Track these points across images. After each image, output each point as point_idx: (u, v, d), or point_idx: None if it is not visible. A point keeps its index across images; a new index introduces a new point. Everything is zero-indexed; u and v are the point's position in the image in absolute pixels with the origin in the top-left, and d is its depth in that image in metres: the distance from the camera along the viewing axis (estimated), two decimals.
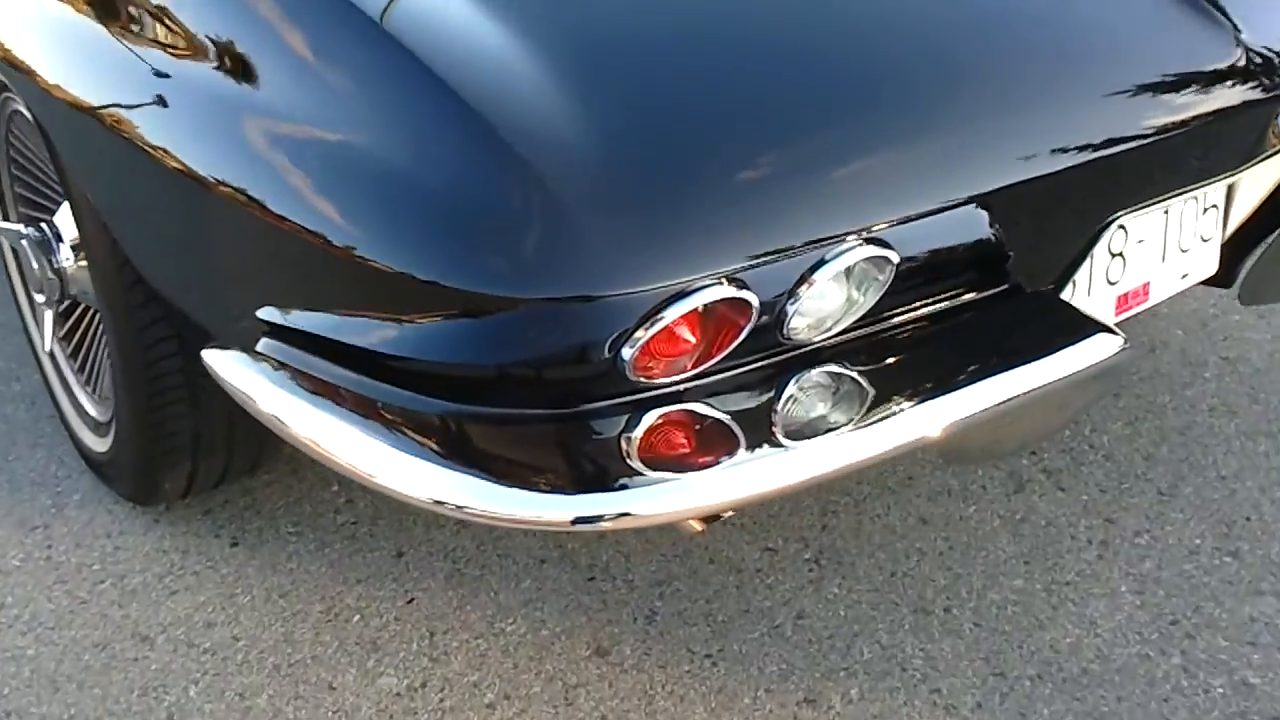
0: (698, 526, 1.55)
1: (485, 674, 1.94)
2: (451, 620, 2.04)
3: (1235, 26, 1.79)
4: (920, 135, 1.52)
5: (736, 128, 1.44)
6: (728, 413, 1.44)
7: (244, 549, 2.22)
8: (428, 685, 1.92)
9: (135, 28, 1.73)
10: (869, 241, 1.45)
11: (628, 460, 1.38)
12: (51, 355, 2.41)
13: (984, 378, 1.51)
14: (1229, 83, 1.78)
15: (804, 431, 1.43)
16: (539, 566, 2.16)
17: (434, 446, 1.44)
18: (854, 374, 1.51)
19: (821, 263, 1.44)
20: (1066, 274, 1.78)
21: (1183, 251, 1.94)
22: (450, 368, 1.45)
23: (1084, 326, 1.61)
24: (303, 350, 1.56)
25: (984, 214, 1.58)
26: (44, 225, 2.18)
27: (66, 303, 2.31)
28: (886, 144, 1.50)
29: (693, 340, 1.41)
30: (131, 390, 2.04)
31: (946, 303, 1.60)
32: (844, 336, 1.53)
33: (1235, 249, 2.04)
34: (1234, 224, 2.03)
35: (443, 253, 1.36)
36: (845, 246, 1.44)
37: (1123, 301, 1.87)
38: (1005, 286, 1.64)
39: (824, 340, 1.51)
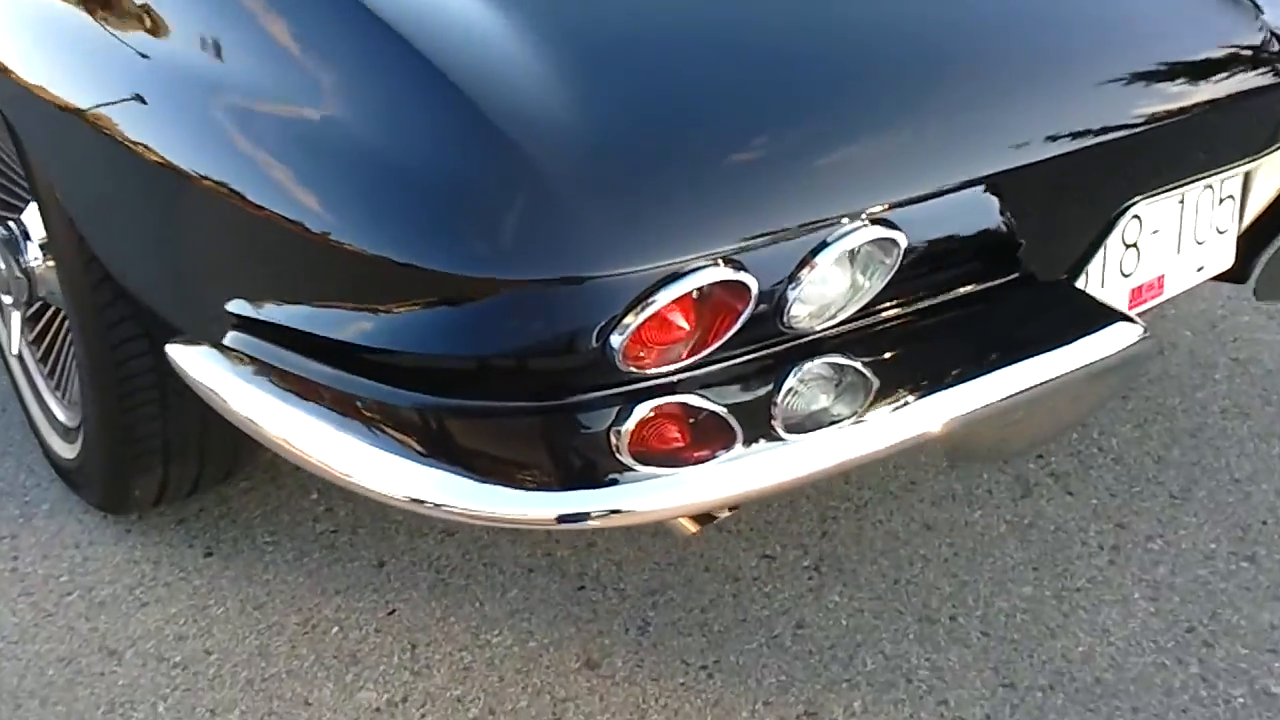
0: (692, 528, 1.46)
1: (469, 688, 1.85)
2: (434, 632, 1.95)
3: (1257, 6, 1.71)
4: (928, 114, 1.44)
5: (733, 102, 1.35)
6: (724, 405, 1.35)
7: (218, 559, 2.12)
8: (409, 700, 1.83)
9: (104, 16, 1.65)
10: (875, 223, 1.36)
11: (617, 455, 1.29)
12: (20, 358, 2.32)
13: (996, 369, 1.42)
14: (1249, 65, 1.70)
15: (805, 425, 1.35)
16: (526, 575, 2.06)
17: (411, 443, 1.35)
18: (858, 365, 1.42)
19: (824, 245, 1.35)
20: (1079, 265, 1.70)
21: (1198, 243, 1.86)
22: (429, 359, 1.36)
23: (1101, 315, 1.52)
24: (273, 344, 1.48)
25: (994, 199, 1.50)
26: (11, 224, 2.10)
27: (36, 305, 2.23)
28: (892, 122, 1.42)
29: (686, 327, 1.32)
30: (99, 392, 1.95)
31: (955, 292, 1.51)
32: (847, 326, 1.44)
33: (1251, 242, 1.96)
34: (1250, 216, 1.95)
35: (420, 234, 1.27)
36: (849, 228, 1.35)
37: (1137, 294, 1.79)
38: (1016, 275, 1.55)
39: (826, 329, 1.42)
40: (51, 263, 2.01)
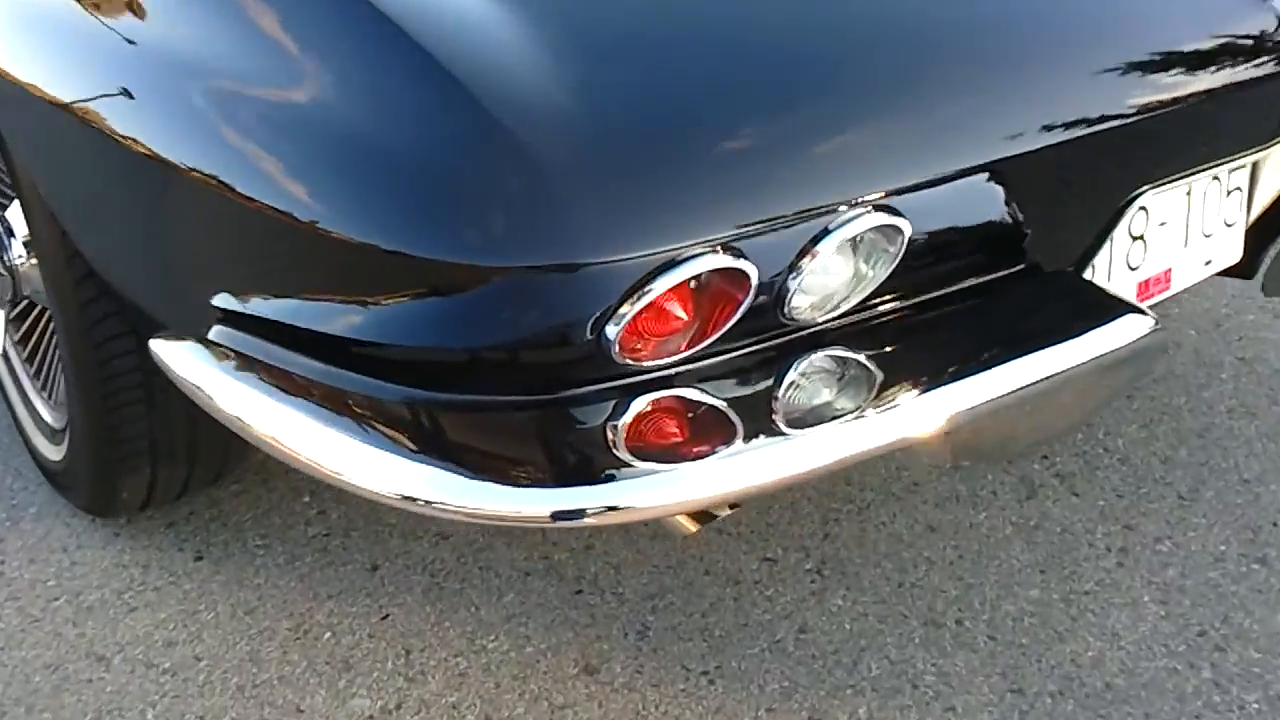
0: (691, 527, 1.42)
1: (465, 694, 1.80)
2: (429, 637, 1.91)
3: None
4: (931, 99, 1.40)
5: (732, 86, 1.32)
6: (724, 399, 1.31)
7: (209, 563, 2.08)
8: (403, 707, 1.79)
9: (87, 6, 1.61)
10: (878, 209, 1.32)
11: (614, 450, 1.25)
12: (5, 358, 2.28)
13: (1004, 362, 1.38)
14: (1255, 52, 1.66)
15: (807, 419, 1.30)
16: (523, 579, 2.02)
17: (402, 439, 1.31)
18: (861, 358, 1.38)
19: (825, 232, 1.31)
20: (1085, 258, 1.66)
21: (1205, 236, 1.82)
22: (419, 352, 1.32)
23: (1111, 307, 1.48)
24: (259, 338, 1.44)
25: (999, 187, 1.46)
26: None
27: (21, 304, 2.19)
28: (894, 108, 1.38)
29: (684, 317, 1.28)
30: (84, 391, 1.91)
31: (960, 283, 1.47)
32: (850, 318, 1.40)
33: (1259, 236, 1.92)
34: (1258, 209, 1.91)
35: (409, 220, 1.23)
36: (851, 214, 1.31)
37: (1144, 288, 1.75)
38: (1022, 267, 1.51)
39: (829, 321, 1.38)
40: (35, 261, 1.97)
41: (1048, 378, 1.38)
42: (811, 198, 1.29)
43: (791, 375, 1.36)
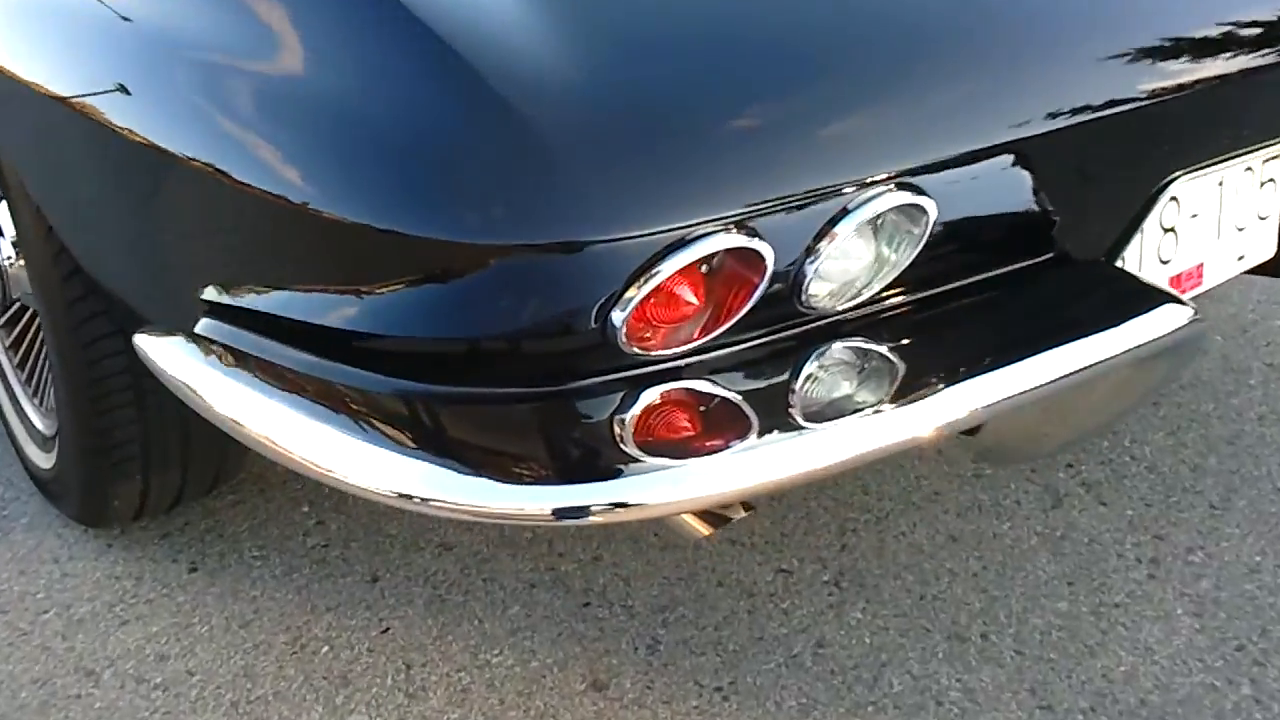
0: (704, 530, 1.35)
1: (468, 711, 1.72)
2: (430, 651, 1.83)
3: None
4: (954, 74, 1.32)
5: (745, 58, 1.24)
6: (738, 392, 1.23)
7: (203, 575, 2.01)
8: None
9: None
10: (901, 187, 1.24)
11: (621, 445, 1.18)
12: None
13: (1035, 354, 1.30)
14: None
15: (825, 413, 1.22)
16: (529, 591, 1.94)
17: (397, 434, 1.23)
18: (883, 350, 1.30)
19: (845, 213, 1.23)
20: (1115, 250, 1.58)
21: (1238, 230, 1.74)
22: (415, 343, 1.25)
23: (1148, 296, 1.40)
24: (249, 331, 1.37)
25: (1026, 170, 1.38)
26: None
27: (12, 308, 2.12)
28: (916, 82, 1.30)
29: (696, 303, 1.20)
30: (73, 393, 1.84)
31: (987, 272, 1.39)
32: (871, 308, 1.32)
33: None
34: None
35: (403, 199, 1.16)
36: (872, 193, 1.23)
37: (1175, 284, 1.67)
38: (1051, 256, 1.43)
39: (848, 310, 1.30)
40: (24, 261, 1.91)
41: (1082, 370, 1.30)
42: (829, 175, 1.21)
43: (809, 367, 1.28)
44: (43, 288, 1.81)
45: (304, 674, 1.80)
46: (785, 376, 1.27)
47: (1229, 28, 1.54)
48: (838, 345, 1.30)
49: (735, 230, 1.17)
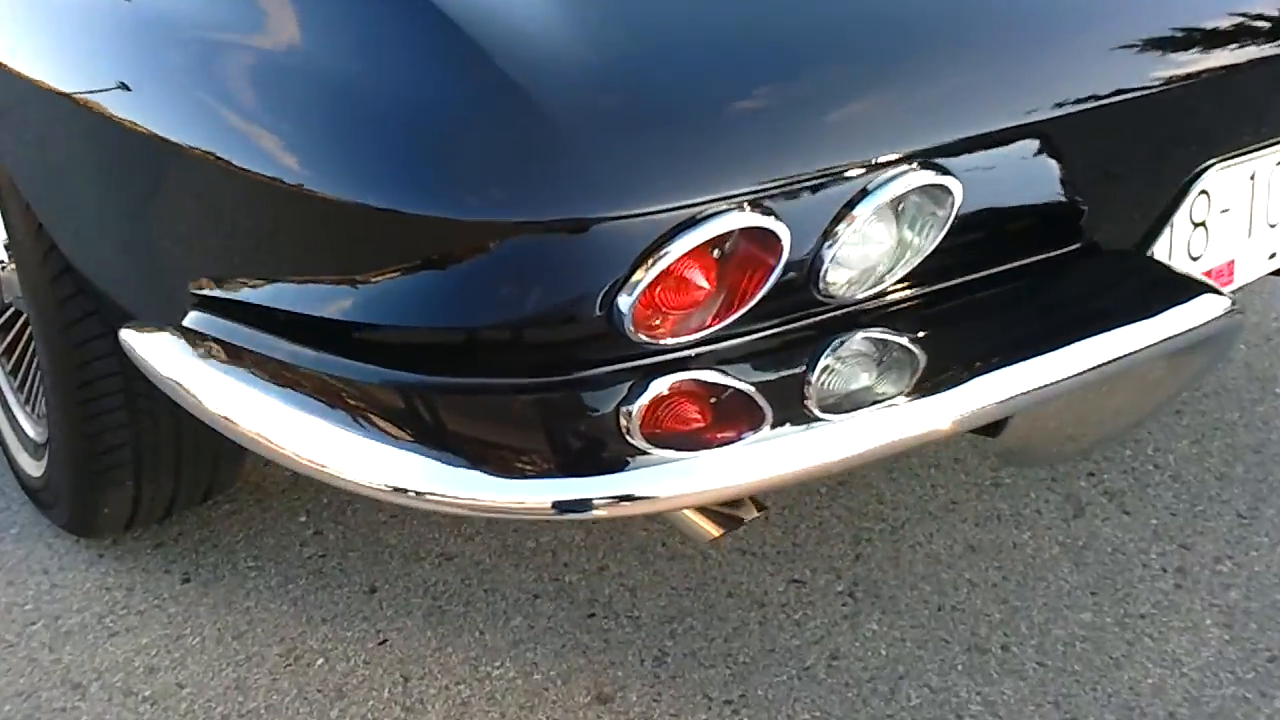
0: (714, 531, 1.28)
1: None
2: (429, 663, 1.76)
3: None
4: (979, 51, 1.26)
5: (759, 29, 1.18)
6: (751, 383, 1.17)
7: (196, 585, 1.94)
8: None
9: None
10: (924, 166, 1.17)
11: (628, 437, 1.11)
12: None
13: (1065, 345, 1.23)
14: None
15: (843, 405, 1.16)
16: (531, 602, 1.88)
17: (394, 426, 1.17)
18: (903, 341, 1.24)
19: (864, 194, 1.17)
20: (1143, 246, 1.52)
21: (1270, 227, 1.67)
22: (413, 333, 1.19)
23: (1183, 286, 1.33)
24: (240, 323, 1.30)
25: (1053, 155, 1.32)
26: None
27: (6, 314, 2.07)
28: (938, 58, 1.23)
29: (707, 287, 1.14)
30: (62, 396, 1.78)
31: (1014, 260, 1.33)
32: (892, 297, 1.26)
33: None
34: None
35: (401, 176, 1.10)
36: (894, 173, 1.16)
37: None
38: (1079, 246, 1.37)
39: (868, 299, 1.24)
40: (15, 265, 1.85)
41: (1114, 362, 1.23)
42: (847, 153, 1.14)
43: (826, 359, 1.22)
44: (32, 287, 1.75)
45: (298, 687, 1.73)
46: (801, 368, 1.20)
47: (1260, 11, 1.47)
48: (857, 336, 1.24)
49: (749, 209, 1.11)
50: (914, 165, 1.18)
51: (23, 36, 1.57)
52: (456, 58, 1.11)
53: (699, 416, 1.14)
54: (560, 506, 1.07)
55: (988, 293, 1.31)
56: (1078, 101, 1.28)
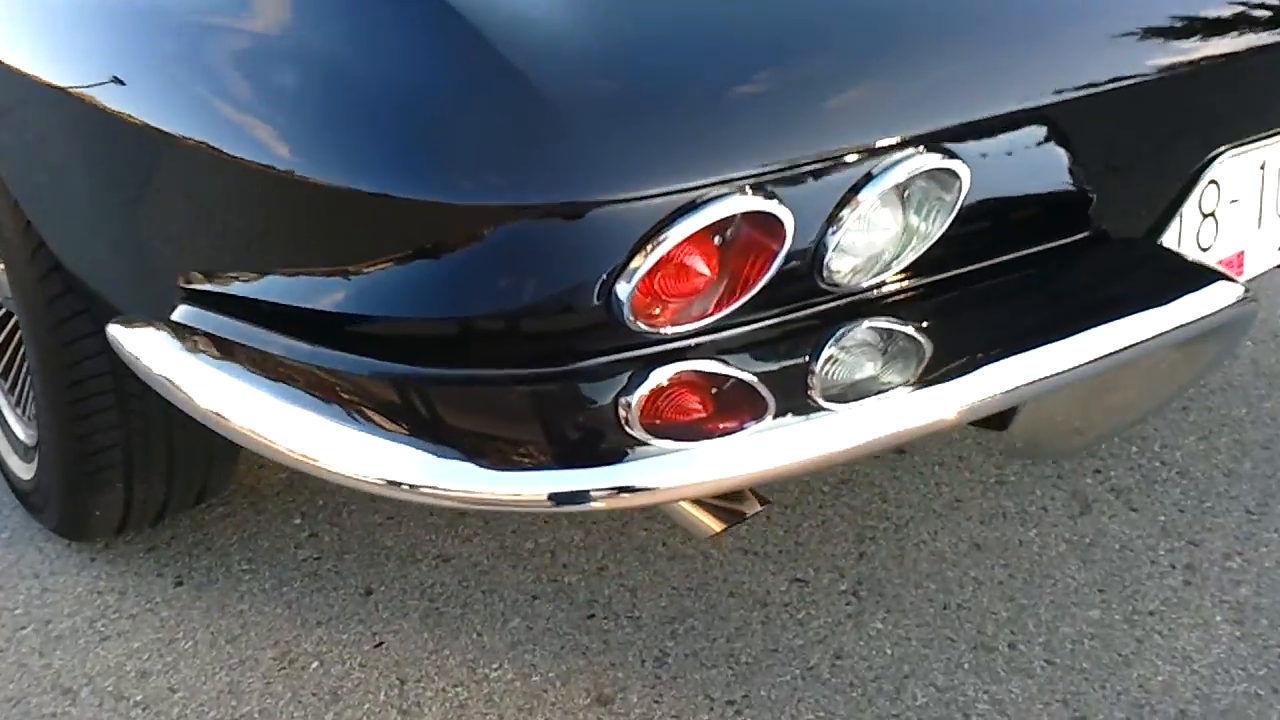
0: (715, 526, 1.25)
1: None
2: (426, 666, 1.73)
3: None
4: (987, 33, 1.23)
5: (765, 9, 1.15)
6: (754, 373, 1.14)
7: (189, 589, 1.91)
8: None
9: None
10: (931, 149, 1.14)
11: (627, 428, 1.08)
12: None
13: (1075, 333, 1.20)
14: None
15: (847, 395, 1.13)
16: (530, 603, 1.84)
17: (388, 420, 1.14)
18: (909, 330, 1.21)
19: (869, 178, 1.13)
20: (1153, 236, 1.49)
21: None
22: (407, 324, 1.16)
23: (1195, 273, 1.30)
24: (230, 316, 1.27)
25: (1061, 147, 1.29)
26: None
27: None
28: (945, 39, 1.20)
29: (708, 274, 1.11)
30: (52, 396, 1.75)
31: (1022, 249, 1.30)
32: (897, 286, 1.23)
33: None
34: None
35: (395, 159, 1.07)
36: (899, 156, 1.13)
37: None
38: (1087, 234, 1.34)
39: (873, 287, 1.21)
40: (4, 264, 1.82)
41: (1127, 349, 1.20)
42: (851, 136, 1.11)
43: (830, 349, 1.19)
44: (21, 285, 1.72)
45: (292, 690, 1.70)
46: (804, 358, 1.17)
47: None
48: (861, 325, 1.21)
49: (752, 192, 1.08)
50: (920, 149, 1.15)
51: (6, 28, 1.54)
52: (452, 40, 1.08)
53: (700, 407, 1.11)
54: (557, 498, 1.04)
55: (995, 281, 1.28)
56: (1086, 86, 1.25)
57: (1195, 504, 1.99)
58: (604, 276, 1.08)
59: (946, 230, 1.20)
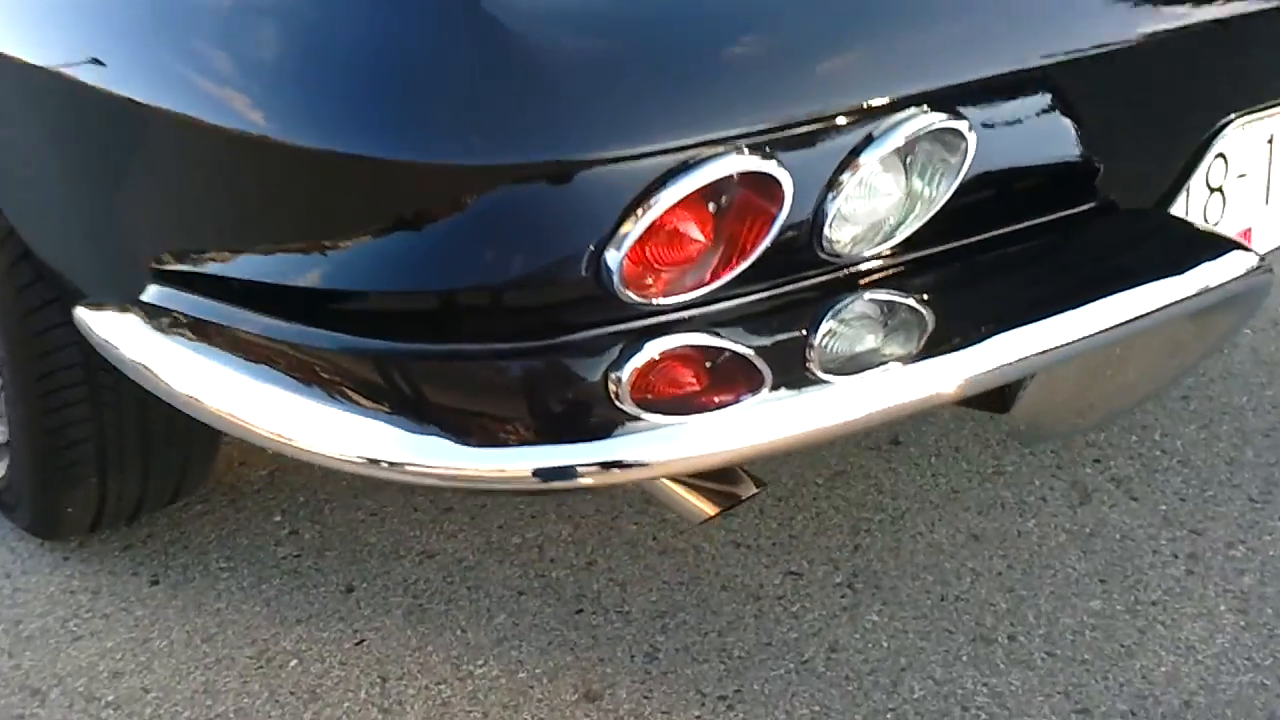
0: (709, 510, 1.20)
1: None
2: (409, 664, 1.68)
3: None
4: None
5: None
6: (750, 347, 1.09)
7: (165, 588, 1.85)
8: None
9: None
10: (935, 108, 1.09)
11: (617, 402, 1.03)
12: None
13: (1086, 302, 1.15)
14: None
15: (847, 368, 1.08)
16: (516, 599, 1.79)
17: (367, 397, 1.09)
18: (910, 302, 1.16)
19: (869, 140, 1.08)
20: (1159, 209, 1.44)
21: None
22: (385, 298, 1.11)
23: (1207, 241, 1.26)
24: (202, 295, 1.22)
25: (1067, 115, 1.25)
26: None
27: None
28: None
29: (702, 240, 1.06)
30: (23, 388, 1.70)
31: (1027, 219, 1.25)
32: (898, 258, 1.18)
33: None
34: None
35: (370, 117, 1.02)
36: (902, 116, 1.08)
37: None
38: (1094, 205, 1.29)
39: (874, 257, 1.16)
40: None
41: (1140, 319, 1.15)
42: (852, 94, 1.06)
43: (829, 322, 1.14)
44: None
45: (269, 689, 1.65)
46: (802, 331, 1.12)
47: None
48: (862, 297, 1.16)
49: (749, 152, 1.02)
50: (924, 108, 1.10)
51: None
52: None
53: (694, 380, 1.06)
54: (543, 474, 0.99)
55: (1001, 252, 1.24)
56: (1092, 46, 1.20)
57: (1197, 492, 1.95)
58: (593, 244, 1.03)
59: (950, 199, 1.15)
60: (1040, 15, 1.18)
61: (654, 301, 1.08)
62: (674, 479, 1.18)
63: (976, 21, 1.14)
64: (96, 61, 1.26)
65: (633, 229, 1.02)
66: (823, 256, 1.13)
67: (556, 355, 1.07)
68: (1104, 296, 1.17)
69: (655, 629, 1.72)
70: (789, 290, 1.14)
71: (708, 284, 1.08)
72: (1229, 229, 1.52)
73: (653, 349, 1.07)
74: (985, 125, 1.14)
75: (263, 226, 1.18)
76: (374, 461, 1.03)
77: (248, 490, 2.08)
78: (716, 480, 1.19)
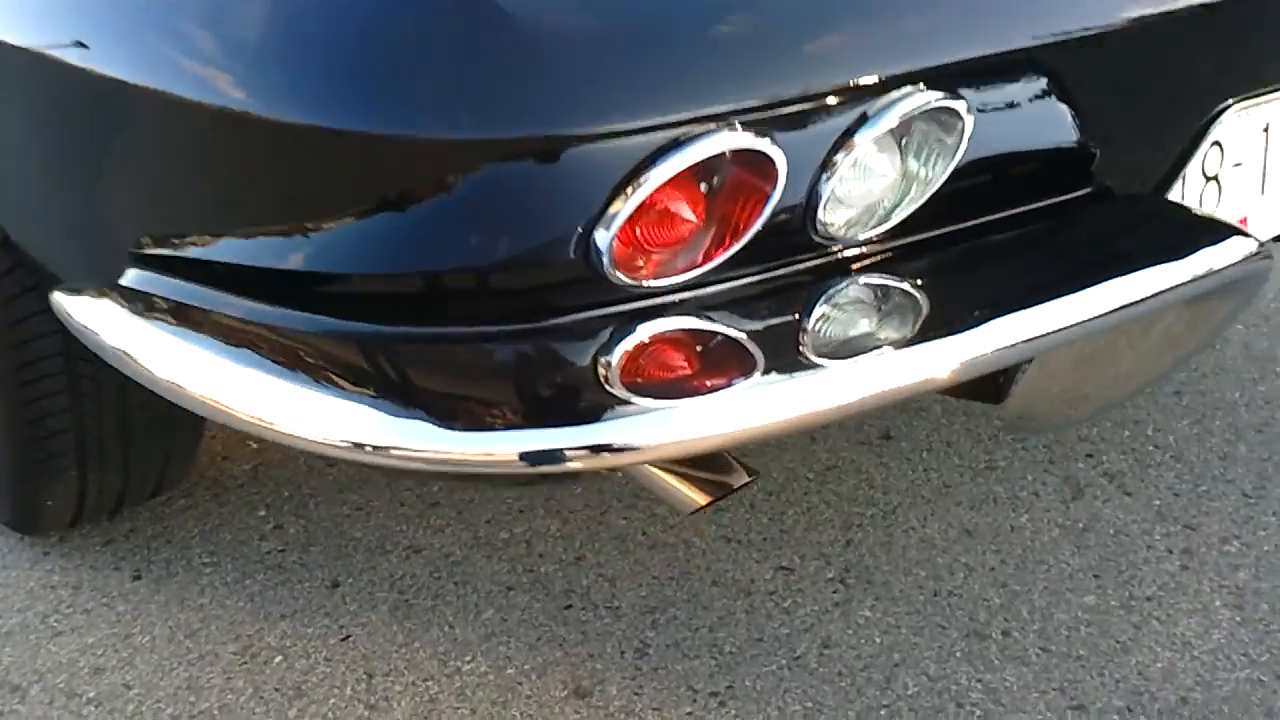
0: (700, 499, 1.18)
1: None
2: (395, 660, 1.65)
3: None
4: None
5: None
6: (743, 330, 1.06)
7: (148, 583, 1.82)
8: None
9: None
10: (931, 86, 1.07)
11: (607, 386, 1.01)
12: None
13: (1083, 287, 1.13)
14: None
15: (840, 352, 1.06)
16: (504, 594, 1.77)
17: (352, 381, 1.07)
18: (905, 286, 1.14)
19: (864, 120, 1.06)
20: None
21: None
22: (369, 280, 1.09)
23: (1206, 227, 1.24)
24: (183, 279, 1.19)
25: (1063, 99, 1.23)
26: None
27: None
28: None
29: (694, 220, 1.04)
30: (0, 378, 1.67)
31: (1023, 204, 1.23)
32: (893, 242, 1.16)
33: None
34: None
35: (353, 91, 1.00)
36: (897, 95, 1.06)
37: None
38: (1090, 191, 1.27)
39: (869, 240, 1.14)
40: None
41: (1137, 304, 1.14)
42: (846, 72, 1.04)
43: (822, 306, 1.12)
44: None
45: (253, 686, 1.62)
46: (796, 315, 1.10)
47: None
48: (856, 281, 1.14)
49: (742, 129, 1.00)
50: (919, 86, 1.07)
51: None
52: None
53: (685, 364, 1.04)
54: (530, 458, 0.97)
55: (997, 237, 1.22)
56: (1090, 29, 1.18)
57: (1190, 488, 1.93)
58: (582, 224, 1.01)
59: (945, 182, 1.13)
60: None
61: (645, 284, 1.06)
62: (664, 467, 1.16)
63: (974, 1, 1.12)
64: (79, 44, 1.24)
65: (622, 208, 1.00)
66: (816, 240, 1.11)
67: (545, 338, 1.05)
68: (1101, 281, 1.15)
69: (645, 624, 1.70)
70: (782, 274, 1.12)
71: (700, 266, 1.06)
72: (1224, 218, 1.50)
73: (643, 332, 1.05)
74: (981, 107, 1.12)
75: (245, 208, 1.15)
76: (359, 445, 1.01)
77: (231, 484, 2.06)
78: (707, 469, 1.17)
